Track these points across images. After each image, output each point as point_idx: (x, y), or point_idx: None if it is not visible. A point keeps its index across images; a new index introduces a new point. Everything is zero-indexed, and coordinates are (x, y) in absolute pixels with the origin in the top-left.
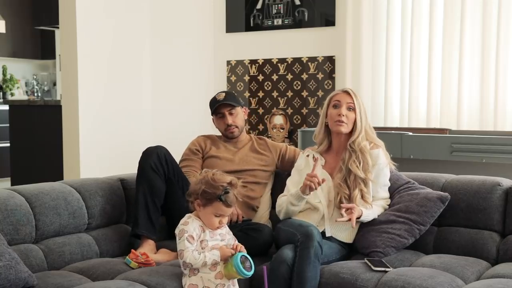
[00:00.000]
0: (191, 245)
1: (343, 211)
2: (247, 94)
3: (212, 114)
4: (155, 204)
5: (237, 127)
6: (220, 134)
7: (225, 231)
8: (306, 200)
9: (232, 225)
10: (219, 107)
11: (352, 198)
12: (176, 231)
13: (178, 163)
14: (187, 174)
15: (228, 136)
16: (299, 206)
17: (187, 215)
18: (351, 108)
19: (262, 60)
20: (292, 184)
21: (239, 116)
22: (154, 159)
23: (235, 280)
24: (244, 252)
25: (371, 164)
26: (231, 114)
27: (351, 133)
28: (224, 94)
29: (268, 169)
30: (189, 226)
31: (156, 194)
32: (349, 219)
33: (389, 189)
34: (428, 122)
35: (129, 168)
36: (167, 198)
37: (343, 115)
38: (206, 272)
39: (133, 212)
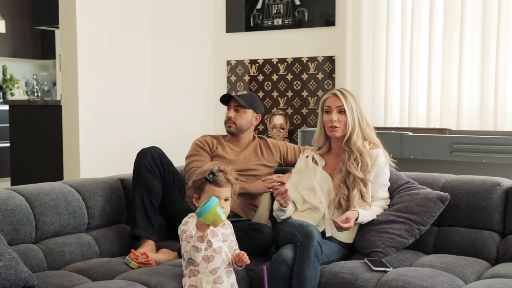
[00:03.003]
0: (188, 244)
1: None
2: None
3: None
4: (152, 204)
5: (235, 124)
6: (223, 134)
7: (229, 232)
8: (307, 201)
9: (232, 225)
10: (230, 99)
11: (350, 199)
12: (179, 232)
13: (185, 159)
14: (197, 168)
15: (226, 129)
16: (286, 213)
17: (189, 214)
18: (342, 111)
19: (262, 60)
20: (291, 187)
21: (244, 116)
22: (149, 160)
23: (235, 283)
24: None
25: (371, 165)
26: (236, 110)
27: (345, 134)
28: (244, 92)
29: (270, 171)
30: (189, 226)
31: (153, 194)
32: (349, 227)
33: (389, 189)
34: (428, 122)
35: (129, 168)
36: (164, 198)
37: (334, 121)
38: (205, 275)
39: (131, 214)
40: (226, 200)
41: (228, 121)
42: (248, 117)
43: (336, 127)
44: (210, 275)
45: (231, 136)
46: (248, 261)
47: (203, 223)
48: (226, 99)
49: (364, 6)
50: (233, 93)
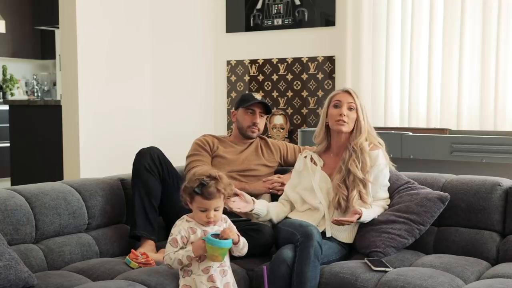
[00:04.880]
0: (172, 248)
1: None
2: None
3: (239, 107)
4: (152, 204)
5: (259, 130)
6: (224, 134)
7: (224, 227)
8: (306, 201)
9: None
10: (256, 104)
11: (350, 199)
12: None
13: (186, 159)
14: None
15: (246, 133)
16: (261, 217)
17: (182, 216)
18: (352, 108)
19: (262, 60)
20: (289, 187)
21: (263, 122)
22: (148, 160)
23: (232, 283)
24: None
25: (370, 165)
26: (261, 116)
27: (351, 133)
28: (259, 96)
29: (270, 171)
30: (176, 229)
31: (152, 195)
32: (350, 221)
33: (389, 189)
34: (428, 122)
35: (129, 168)
36: (163, 198)
37: (344, 115)
38: (199, 274)
39: (131, 214)
40: (216, 210)
41: (253, 126)
42: (264, 122)
43: (344, 121)
44: (203, 274)
45: (239, 137)
46: (233, 236)
47: (203, 249)
48: (246, 101)
49: (364, 6)
50: (260, 99)
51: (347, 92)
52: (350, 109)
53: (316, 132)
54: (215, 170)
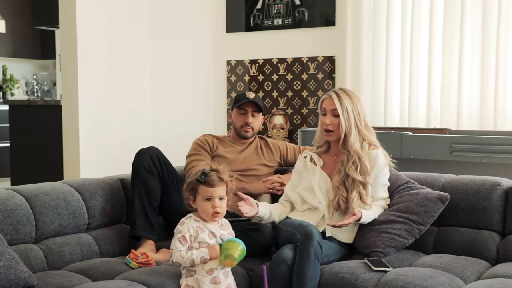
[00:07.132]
0: (181, 245)
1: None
2: None
3: (233, 108)
4: (151, 204)
5: (253, 129)
6: (224, 134)
7: (228, 232)
8: (306, 201)
9: (232, 226)
10: (246, 103)
11: (349, 200)
12: (175, 231)
13: (185, 158)
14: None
15: (240, 133)
16: (264, 219)
17: (189, 214)
18: (336, 114)
19: (262, 60)
20: (290, 188)
21: (258, 120)
22: (147, 160)
23: (233, 283)
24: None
25: (370, 167)
26: (253, 115)
27: (344, 138)
28: (254, 95)
29: (271, 170)
30: (184, 227)
31: (152, 195)
32: (348, 223)
33: (389, 189)
34: (428, 122)
35: (129, 168)
36: (163, 198)
37: (328, 124)
38: (202, 275)
39: (131, 214)
40: (221, 199)
41: (246, 126)
42: (261, 120)
43: (330, 130)
44: (206, 275)
45: (237, 137)
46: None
47: (217, 253)
48: (237, 102)
49: (364, 6)
50: (251, 98)
51: (330, 97)
52: (334, 116)
53: (316, 135)
54: (215, 163)
